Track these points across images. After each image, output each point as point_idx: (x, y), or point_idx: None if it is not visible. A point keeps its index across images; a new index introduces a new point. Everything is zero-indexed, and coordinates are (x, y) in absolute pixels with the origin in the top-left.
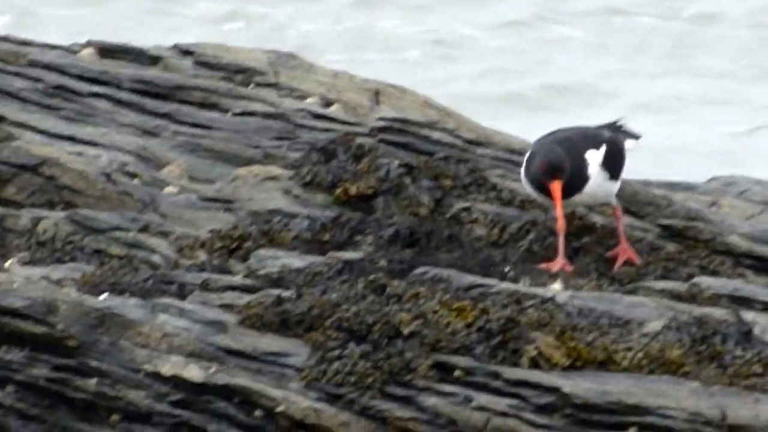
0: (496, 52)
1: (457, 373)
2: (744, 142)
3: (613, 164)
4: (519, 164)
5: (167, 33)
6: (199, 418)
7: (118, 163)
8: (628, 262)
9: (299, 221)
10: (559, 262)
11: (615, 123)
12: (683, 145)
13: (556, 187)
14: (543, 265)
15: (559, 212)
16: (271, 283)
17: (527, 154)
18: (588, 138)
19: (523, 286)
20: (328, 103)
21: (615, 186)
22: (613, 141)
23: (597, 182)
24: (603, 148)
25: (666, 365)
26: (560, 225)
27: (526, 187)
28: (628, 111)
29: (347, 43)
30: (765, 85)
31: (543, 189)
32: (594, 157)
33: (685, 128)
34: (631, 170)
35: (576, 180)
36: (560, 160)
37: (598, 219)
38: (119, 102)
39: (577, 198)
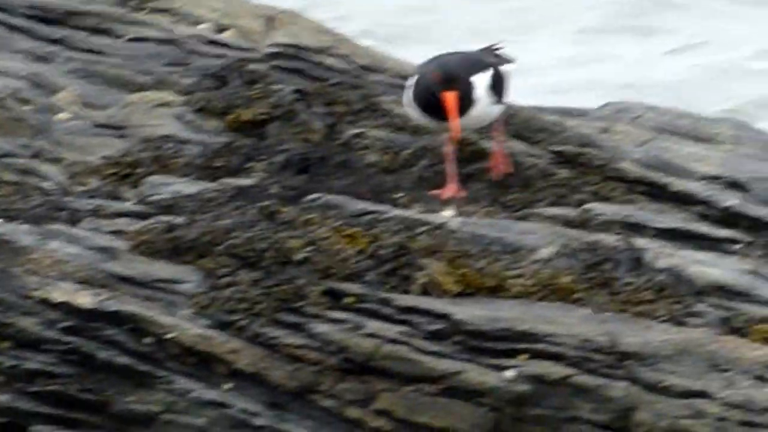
0: None
1: (347, 299)
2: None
3: (499, 88)
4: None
5: None
6: (89, 344)
7: (11, 89)
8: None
9: (191, 147)
10: (450, 188)
11: (492, 47)
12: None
13: (451, 97)
14: (434, 192)
15: (455, 123)
16: (162, 210)
17: (411, 80)
18: (473, 62)
19: (414, 213)
20: (221, 29)
21: (498, 111)
22: (498, 65)
23: (484, 105)
24: (489, 72)
25: (557, 292)
26: (454, 136)
27: (411, 112)
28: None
29: None
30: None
31: (431, 109)
32: (480, 81)
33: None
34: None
35: (463, 103)
36: (455, 71)
37: (489, 144)
38: (11, 28)
39: (464, 121)
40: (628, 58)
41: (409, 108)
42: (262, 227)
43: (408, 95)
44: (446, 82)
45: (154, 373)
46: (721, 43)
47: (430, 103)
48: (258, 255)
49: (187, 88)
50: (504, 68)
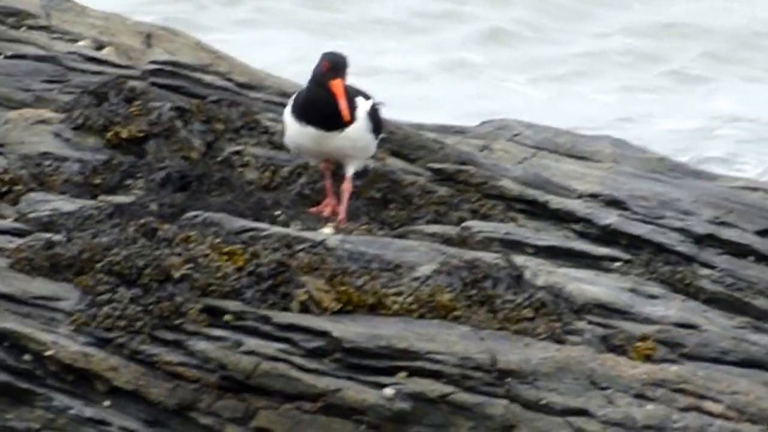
0: None
1: (227, 317)
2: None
3: (377, 120)
4: None
5: None
6: None
7: None
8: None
9: (70, 164)
10: (330, 204)
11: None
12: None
13: (339, 84)
14: (314, 209)
15: (343, 105)
16: (41, 227)
17: (293, 97)
18: (355, 89)
19: (293, 230)
20: (100, 46)
21: (373, 144)
22: (375, 102)
23: (363, 127)
24: (371, 101)
25: (436, 309)
26: (344, 116)
27: (290, 128)
28: None
29: None
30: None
31: (313, 112)
32: (363, 104)
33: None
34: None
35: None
36: (344, 59)
37: (369, 162)
38: None
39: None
40: None
41: (288, 120)
42: (141, 244)
43: (287, 111)
44: (334, 69)
45: (33, 390)
46: None
47: (314, 100)
48: (137, 272)
49: (66, 105)
50: (379, 108)
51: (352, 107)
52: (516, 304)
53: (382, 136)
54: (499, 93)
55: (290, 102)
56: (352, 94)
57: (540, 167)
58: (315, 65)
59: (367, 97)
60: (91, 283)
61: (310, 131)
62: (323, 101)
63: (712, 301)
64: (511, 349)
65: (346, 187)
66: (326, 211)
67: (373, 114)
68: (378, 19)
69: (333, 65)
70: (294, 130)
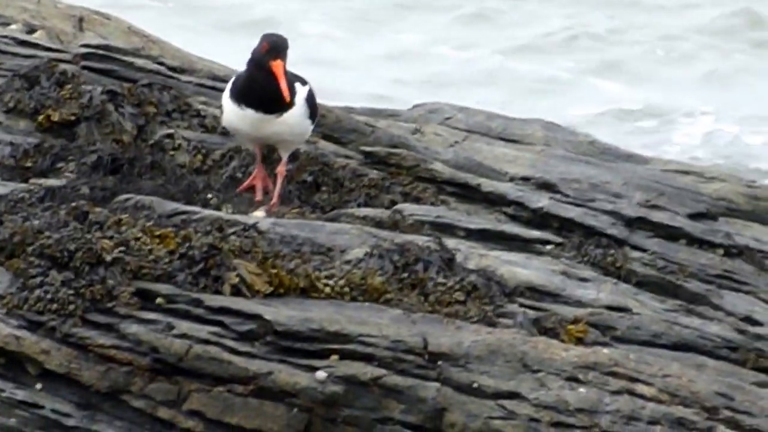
0: None
1: (159, 300)
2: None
3: (313, 106)
4: (222, 91)
5: None
6: None
7: None
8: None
9: (1, 148)
10: (259, 180)
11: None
12: None
13: (279, 65)
14: (243, 186)
15: (283, 86)
16: None
17: (232, 80)
18: (292, 74)
19: (225, 214)
20: (31, 30)
21: (309, 129)
22: (311, 87)
23: (301, 112)
24: (308, 87)
25: (368, 292)
26: (285, 97)
27: (228, 111)
28: None
29: None
30: None
31: (251, 94)
32: (301, 90)
33: None
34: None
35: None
36: (284, 40)
37: (302, 146)
38: None
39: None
40: None
41: (226, 105)
42: (72, 228)
43: (225, 94)
44: (275, 50)
45: None
46: None
47: (253, 82)
48: (69, 255)
49: None
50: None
51: (292, 92)
52: (447, 287)
53: (316, 121)
54: None
55: (229, 85)
56: (290, 78)
57: (472, 151)
58: (254, 47)
59: (303, 82)
60: (23, 266)
61: (249, 114)
62: (263, 83)
63: (644, 284)
64: (443, 333)
65: (281, 170)
66: (258, 195)
67: (310, 99)
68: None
69: (273, 46)
70: (232, 114)
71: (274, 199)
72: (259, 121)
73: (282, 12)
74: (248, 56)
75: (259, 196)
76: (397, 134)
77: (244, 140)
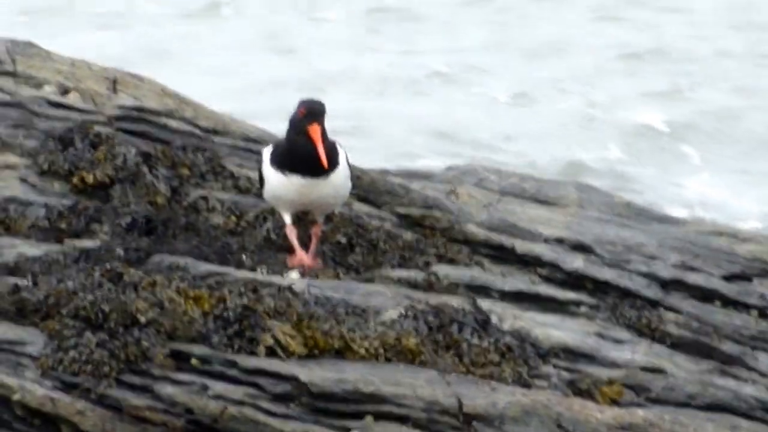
0: None
1: (193, 361)
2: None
3: (350, 167)
4: (256, 152)
5: None
6: None
7: None
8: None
9: (36, 209)
10: (298, 258)
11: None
12: None
13: (316, 129)
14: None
15: (321, 151)
16: (7, 271)
17: (270, 149)
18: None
19: (260, 275)
20: (65, 91)
21: (349, 189)
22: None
23: (345, 173)
24: (344, 150)
25: (403, 353)
26: (322, 162)
27: (271, 180)
28: None
29: None
30: None
31: (294, 159)
32: (342, 150)
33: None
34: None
35: (329, 159)
36: (321, 105)
37: (337, 209)
38: None
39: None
40: None
41: (269, 174)
42: (107, 289)
43: (265, 163)
44: (312, 114)
45: None
46: None
47: (296, 147)
48: (103, 317)
49: (32, 150)
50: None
51: (334, 152)
52: (482, 349)
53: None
54: None
55: (267, 154)
56: (330, 141)
57: (506, 212)
58: (292, 114)
59: (340, 144)
60: (58, 327)
61: (294, 180)
62: (305, 148)
63: (679, 345)
64: (478, 394)
65: (317, 231)
66: (294, 263)
67: (348, 162)
68: None
69: (310, 111)
70: (276, 182)
71: (310, 259)
72: (304, 186)
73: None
74: (286, 124)
75: (295, 261)
76: (431, 196)
77: (286, 207)
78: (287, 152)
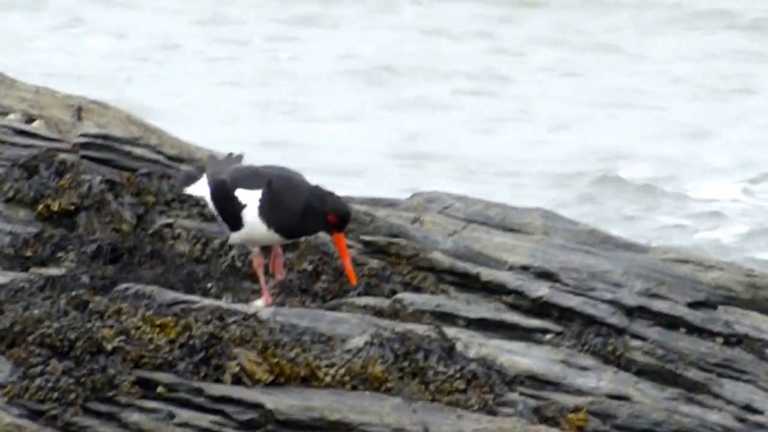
0: None
1: (159, 389)
2: None
3: None
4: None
5: None
6: None
7: None
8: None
9: (1, 237)
10: (265, 298)
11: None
12: None
13: (343, 241)
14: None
15: (349, 267)
16: None
17: (256, 196)
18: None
19: (225, 302)
20: (30, 119)
21: None
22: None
23: None
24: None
25: (369, 381)
26: (353, 282)
27: (253, 230)
28: None
29: None
30: None
31: (290, 232)
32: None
33: None
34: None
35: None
36: (350, 215)
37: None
38: None
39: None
40: None
41: (253, 224)
42: (72, 317)
43: (251, 213)
44: (342, 226)
45: None
46: None
47: (302, 222)
48: (69, 344)
49: None
50: None
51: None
52: (448, 376)
53: None
54: None
55: (254, 203)
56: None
57: (471, 239)
58: (316, 192)
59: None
60: (24, 355)
61: (276, 237)
62: (311, 227)
63: (644, 372)
64: (444, 421)
65: (278, 251)
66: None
67: None
68: None
69: (342, 222)
70: (259, 233)
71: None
72: (282, 239)
73: None
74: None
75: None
76: (396, 223)
77: (254, 246)
78: (288, 221)
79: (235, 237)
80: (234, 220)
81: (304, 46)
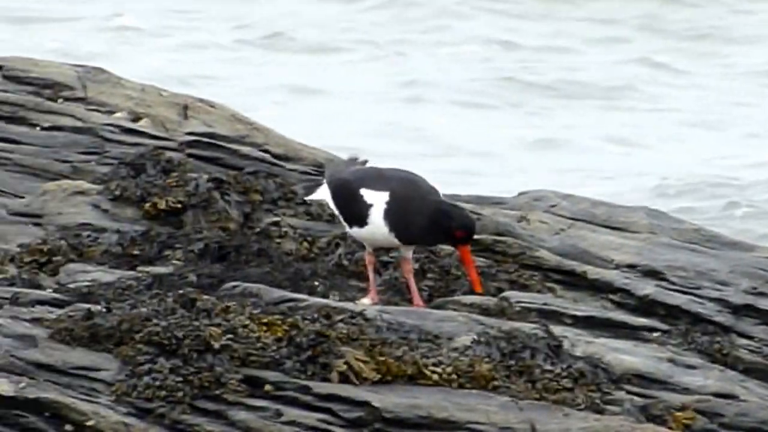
0: None
1: (267, 387)
2: None
3: None
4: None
5: None
6: None
7: None
8: None
9: (108, 235)
10: (371, 296)
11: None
12: None
13: (469, 254)
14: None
15: (475, 278)
16: (81, 298)
17: (384, 197)
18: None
19: (332, 301)
20: (136, 118)
21: None
22: None
23: None
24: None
25: (476, 379)
26: (479, 290)
27: (376, 231)
28: None
29: None
30: None
31: (412, 240)
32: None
33: None
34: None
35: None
36: (475, 228)
37: None
38: None
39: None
40: None
41: (377, 225)
42: (180, 315)
43: (376, 214)
44: (467, 239)
45: None
46: None
47: (426, 232)
48: (177, 343)
49: (104, 176)
50: None
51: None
52: (555, 375)
53: None
54: None
55: (381, 203)
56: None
57: (577, 238)
58: (443, 206)
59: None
60: (131, 353)
61: (396, 241)
62: (435, 239)
63: (751, 371)
64: (551, 419)
65: (409, 268)
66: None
67: None
68: None
69: (468, 236)
70: (381, 234)
71: (416, 299)
72: (401, 245)
73: None
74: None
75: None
76: (502, 222)
77: (372, 246)
78: (413, 229)
79: (354, 232)
80: (357, 220)
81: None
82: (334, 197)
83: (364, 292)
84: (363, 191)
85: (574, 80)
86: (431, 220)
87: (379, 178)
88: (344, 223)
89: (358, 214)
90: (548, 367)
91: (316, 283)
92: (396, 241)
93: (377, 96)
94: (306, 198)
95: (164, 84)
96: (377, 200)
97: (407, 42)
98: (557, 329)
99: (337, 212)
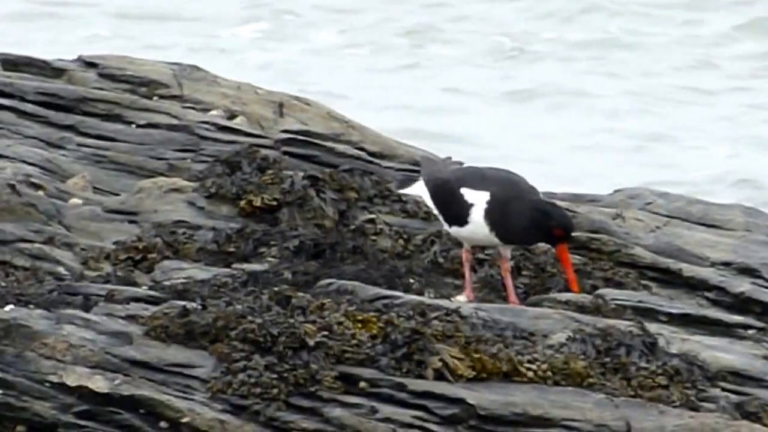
0: None
1: (362, 384)
2: None
3: None
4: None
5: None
6: (104, 429)
7: (23, 174)
8: None
9: (204, 233)
10: (466, 294)
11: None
12: None
13: (567, 253)
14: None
15: (573, 278)
16: (176, 295)
17: (485, 197)
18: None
19: (427, 298)
20: (232, 116)
21: None
22: None
23: None
24: None
25: (571, 377)
26: (577, 290)
27: (477, 230)
28: None
29: None
30: None
31: (512, 239)
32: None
33: None
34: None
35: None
36: (573, 228)
37: None
38: (24, 114)
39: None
40: None
41: (478, 223)
42: (275, 312)
43: (477, 213)
44: (565, 238)
45: None
46: None
47: (526, 232)
48: (272, 340)
49: (199, 173)
50: None
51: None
52: (650, 372)
53: None
54: None
55: (482, 202)
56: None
57: (672, 235)
58: (541, 205)
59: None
60: (226, 350)
61: (496, 240)
62: (534, 238)
63: None
64: (646, 417)
65: (507, 267)
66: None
67: None
68: None
69: (566, 235)
70: (481, 233)
71: (512, 298)
72: (501, 244)
73: None
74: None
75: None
76: (598, 219)
77: (471, 245)
78: (513, 229)
79: (453, 231)
80: (457, 219)
81: None
82: (434, 196)
83: (460, 289)
84: (463, 191)
85: None
86: (531, 220)
87: (479, 178)
88: (444, 222)
89: (458, 213)
90: (643, 364)
91: (412, 281)
92: (496, 240)
93: None
94: (399, 191)
95: (260, 81)
96: (478, 200)
97: None
98: (652, 327)
99: (436, 211)
